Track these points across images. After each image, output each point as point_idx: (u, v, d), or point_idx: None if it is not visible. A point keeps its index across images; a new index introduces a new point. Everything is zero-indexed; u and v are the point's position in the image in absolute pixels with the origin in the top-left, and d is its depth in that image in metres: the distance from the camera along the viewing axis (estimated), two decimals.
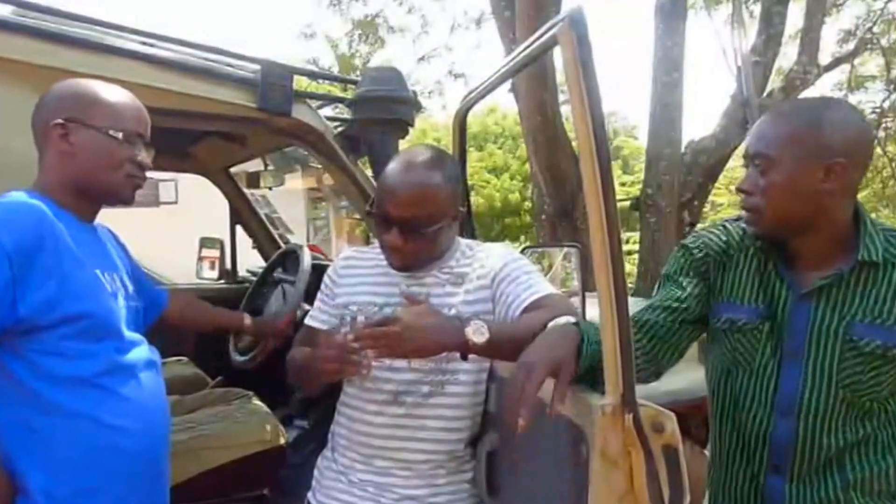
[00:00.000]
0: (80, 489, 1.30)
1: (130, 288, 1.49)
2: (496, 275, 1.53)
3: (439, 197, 1.49)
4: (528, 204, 14.51)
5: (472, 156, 15.96)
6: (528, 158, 6.63)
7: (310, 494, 1.66)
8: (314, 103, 2.11)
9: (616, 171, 14.20)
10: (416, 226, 1.48)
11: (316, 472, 1.68)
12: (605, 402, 1.13)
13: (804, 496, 1.30)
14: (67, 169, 1.38)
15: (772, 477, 1.33)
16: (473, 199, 14.82)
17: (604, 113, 1.11)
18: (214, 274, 3.65)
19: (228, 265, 3.63)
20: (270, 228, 3.54)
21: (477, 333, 1.26)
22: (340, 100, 2.27)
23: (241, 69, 1.91)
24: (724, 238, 1.43)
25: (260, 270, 3.40)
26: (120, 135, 1.39)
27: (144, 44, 1.80)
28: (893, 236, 1.30)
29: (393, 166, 1.53)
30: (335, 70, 16.94)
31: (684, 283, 1.43)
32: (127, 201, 1.44)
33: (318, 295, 1.72)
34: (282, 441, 2.36)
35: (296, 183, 11.22)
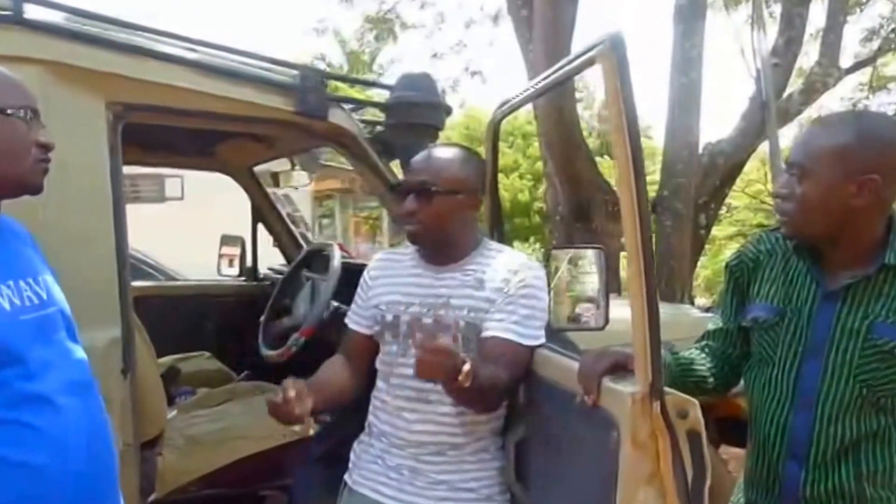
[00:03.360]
0: None
1: (46, 293, 1.22)
2: (507, 290, 1.62)
3: (448, 166, 1.67)
4: (537, 204, 14.32)
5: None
6: (543, 159, 6.44)
7: (346, 475, 1.77)
8: (348, 107, 2.19)
9: None
10: (425, 189, 1.63)
11: (352, 455, 1.78)
12: (635, 390, 1.22)
13: (819, 483, 1.38)
14: None
15: (790, 464, 1.41)
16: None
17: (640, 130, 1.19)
18: (234, 271, 3.66)
19: (249, 263, 3.67)
20: (292, 227, 3.60)
21: (466, 379, 1.39)
22: (374, 104, 2.36)
23: (280, 74, 1.99)
24: (757, 246, 1.53)
25: (280, 268, 3.47)
26: (21, 112, 1.16)
27: (188, 49, 1.87)
28: None
29: None
30: (344, 66, 17.02)
31: (728, 303, 1.57)
32: (38, 191, 1.24)
33: (355, 297, 1.84)
34: (310, 433, 2.44)
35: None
